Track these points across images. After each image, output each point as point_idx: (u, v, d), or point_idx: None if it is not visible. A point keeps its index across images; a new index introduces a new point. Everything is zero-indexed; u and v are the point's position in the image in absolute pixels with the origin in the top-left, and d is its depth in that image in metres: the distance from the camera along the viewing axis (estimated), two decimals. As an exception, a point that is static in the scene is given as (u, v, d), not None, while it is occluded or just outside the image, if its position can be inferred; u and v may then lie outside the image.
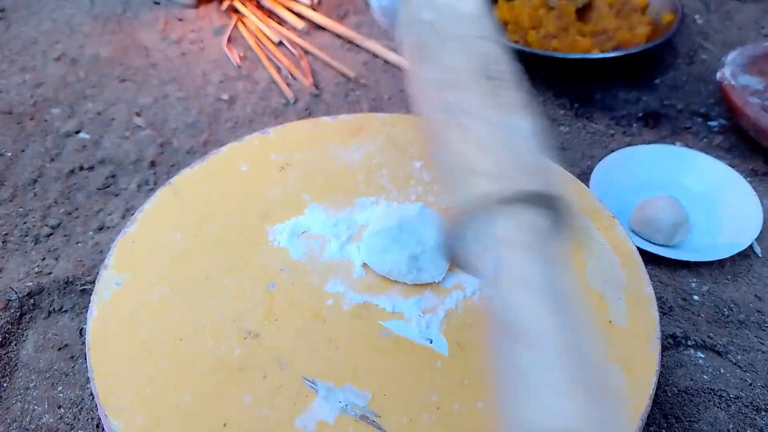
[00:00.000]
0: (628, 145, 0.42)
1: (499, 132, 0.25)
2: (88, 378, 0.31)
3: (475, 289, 0.30)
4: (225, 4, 0.58)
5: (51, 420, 0.30)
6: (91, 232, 0.38)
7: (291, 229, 0.32)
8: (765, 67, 0.46)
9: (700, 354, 0.33)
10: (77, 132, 0.45)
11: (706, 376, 0.32)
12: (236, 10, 0.57)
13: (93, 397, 0.30)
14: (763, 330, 0.34)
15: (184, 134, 0.45)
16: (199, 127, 0.46)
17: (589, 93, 0.48)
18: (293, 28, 0.55)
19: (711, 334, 0.34)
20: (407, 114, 0.45)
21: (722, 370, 0.32)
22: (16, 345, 0.33)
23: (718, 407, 0.31)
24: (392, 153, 0.37)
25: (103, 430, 0.29)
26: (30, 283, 0.35)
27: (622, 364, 0.27)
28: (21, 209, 0.39)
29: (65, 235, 0.38)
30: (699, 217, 0.39)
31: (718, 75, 0.46)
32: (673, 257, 0.36)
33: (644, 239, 0.37)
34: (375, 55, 0.52)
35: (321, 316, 0.29)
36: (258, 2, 0.58)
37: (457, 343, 0.28)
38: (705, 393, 0.31)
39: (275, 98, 0.48)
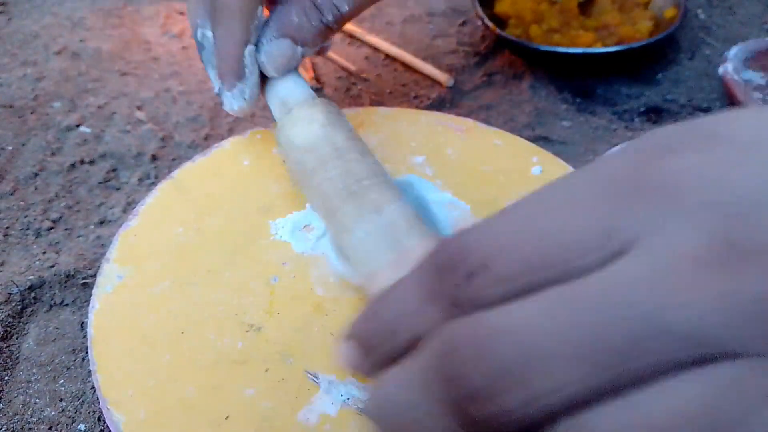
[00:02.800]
0: (631, 139, 0.42)
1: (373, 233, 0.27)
2: (89, 371, 0.31)
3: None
4: (226, -1, 0.57)
5: (53, 413, 0.30)
6: (93, 226, 0.38)
7: (293, 223, 0.32)
8: (767, 63, 0.46)
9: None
10: (78, 126, 0.45)
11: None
12: (237, 5, 0.57)
13: (94, 391, 0.30)
14: None
15: (185, 128, 0.45)
16: (200, 121, 0.46)
17: (591, 88, 0.48)
18: (295, 23, 0.55)
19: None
20: (409, 108, 0.45)
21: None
22: (17, 338, 0.33)
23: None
24: (394, 147, 0.37)
25: (104, 423, 0.29)
26: (31, 277, 0.35)
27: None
28: (22, 203, 0.39)
29: (66, 229, 0.38)
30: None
31: (721, 70, 0.46)
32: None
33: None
34: (376, 50, 0.52)
35: (323, 310, 0.29)
36: (259, -4, 0.57)
37: (459, 337, 0.28)
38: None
39: None
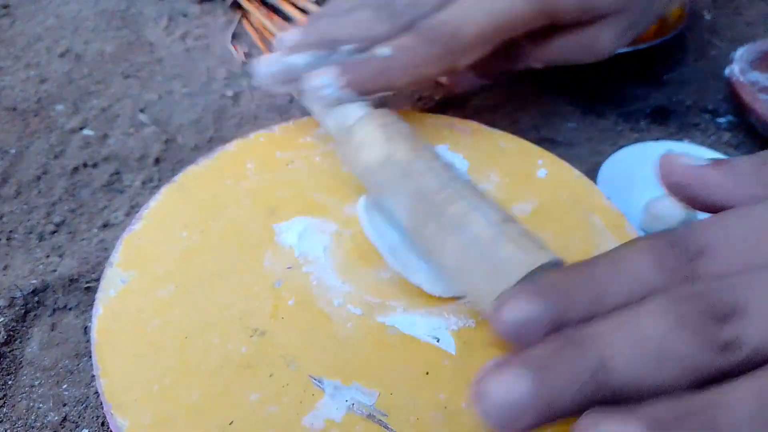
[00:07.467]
0: (636, 141, 0.42)
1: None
2: (93, 376, 0.30)
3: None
4: (229, 0, 0.57)
5: (56, 418, 0.29)
6: (96, 230, 0.38)
7: (297, 227, 0.32)
8: (774, 64, 0.45)
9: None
10: (82, 128, 0.45)
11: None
12: (240, 7, 0.57)
13: (98, 395, 0.30)
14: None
15: (189, 131, 0.45)
16: (204, 123, 0.45)
17: (597, 89, 0.48)
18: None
19: (720, 333, 0.33)
20: (413, 110, 0.45)
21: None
22: (20, 343, 0.32)
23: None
24: (398, 150, 0.36)
25: (108, 428, 0.29)
26: (35, 281, 0.35)
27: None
28: (25, 206, 0.39)
29: (70, 233, 0.38)
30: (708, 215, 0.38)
31: (727, 71, 0.45)
32: (682, 255, 0.36)
33: (653, 237, 0.37)
34: (380, 52, 0.52)
35: (327, 315, 0.28)
36: (262, -2, 0.57)
37: (464, 342, 0.27)
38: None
39: (280, 95, 0.48)
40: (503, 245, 0.25)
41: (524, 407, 0.18)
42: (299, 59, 0.34)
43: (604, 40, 0.38)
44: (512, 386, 0.18)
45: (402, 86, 0.34)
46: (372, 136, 0.31)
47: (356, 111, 0.33)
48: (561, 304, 0.20)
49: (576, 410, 0.18)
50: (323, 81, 0.33)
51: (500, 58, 0.39)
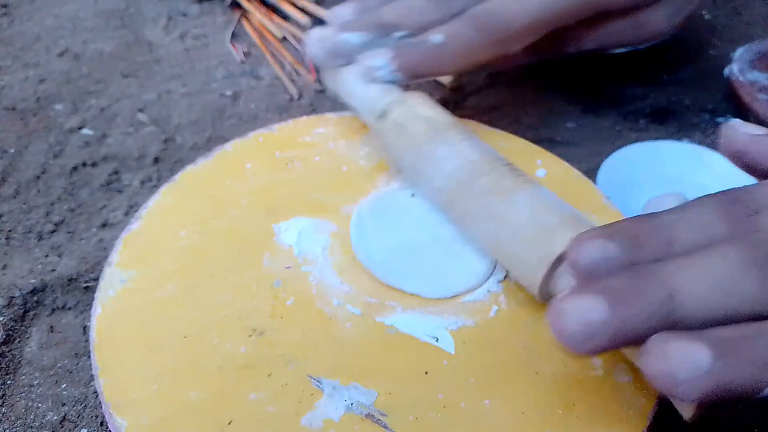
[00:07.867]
0: (636, 141, 0.42)
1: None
2: (92, 375, 0.30)
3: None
4: (228, 0, 0.57)
5: (55, 417, 0.29)
6: (95, 229, 0.38)
7: (296, 227, 0.32)
8: (773, 63, 0.45)
9: (708, 352, 0.33)
10: (81, 128, 0.45)
11: (714, 375, 0.32)
12: (240, 6, 0.57)
13: (97, 395, 0.30)
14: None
15: (187, 130, 0.45)
16: (203, 123, 0.45)
17: (596, 89, 0.48)
18: (297, 24, 0.55)
19: (719, 333, 0.33)
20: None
21: (731, 369, 0.32)
22: (20, 342, 0.32)
23: (724, 404, 0.31)
24: (398, 149, 0.36)
25: (107, 427, 0.29)
26: (34, 280, 0.35)
27: (627, 364, 0.26)
28: (25, 206, 0.39)
29: (69, 232, 0.38)
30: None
31: (726, 71, 0.46)
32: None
33: (652, 236, 0.37)
34: (380, 51, 0.52)
35: (326, 314, 0.28)
36: (262, -2, 0.57)
37: (463, 342, 0.27)
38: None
39: (279, 94, 0.48)
40: (550, 216, 0.27)
41: (598, 330, 0.19)
42: (353, 38, 0.35)
43: (656, 22, 0.40)
44: (589, 310, 0.20)
45: (452, 71, 0.36)
46: (412, 114, 0.33)
47: (386, 94, 0.34)
48: (634, 246, 0.21)
49: (644, 336, 0.20)
50: (377, 63, 0.34)
51: (551, 41, 0.40)
